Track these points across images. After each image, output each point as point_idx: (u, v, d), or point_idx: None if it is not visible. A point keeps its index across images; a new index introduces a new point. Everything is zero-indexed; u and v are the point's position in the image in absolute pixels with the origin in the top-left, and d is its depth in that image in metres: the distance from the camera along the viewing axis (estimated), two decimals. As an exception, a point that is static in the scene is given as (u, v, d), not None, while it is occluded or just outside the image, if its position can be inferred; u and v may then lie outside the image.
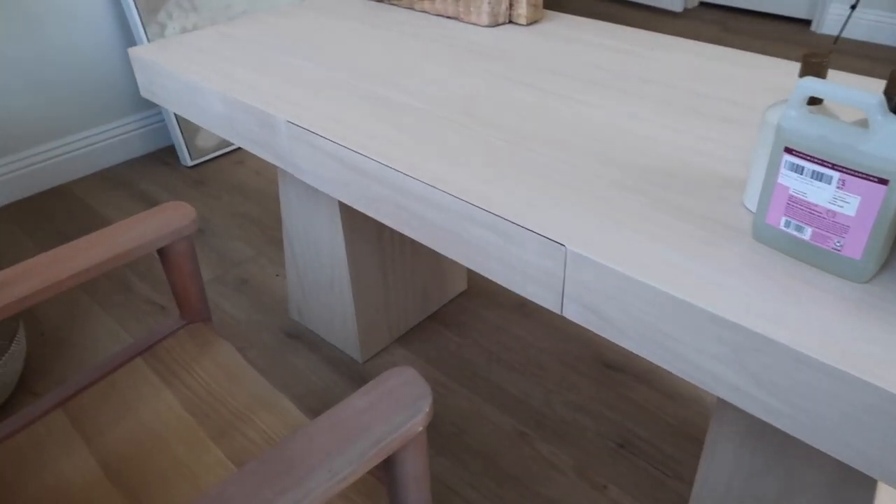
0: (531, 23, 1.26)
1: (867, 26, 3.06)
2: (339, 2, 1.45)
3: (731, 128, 0.86)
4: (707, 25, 3.48)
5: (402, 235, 1.43)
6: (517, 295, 1.66)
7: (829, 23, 3.17)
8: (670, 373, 1.44)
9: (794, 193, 0.60)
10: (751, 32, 3.36)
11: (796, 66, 1.04)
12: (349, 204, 0.91)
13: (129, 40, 2.26)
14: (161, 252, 0.98)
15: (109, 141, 2.32)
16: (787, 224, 0.62)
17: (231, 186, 2.20)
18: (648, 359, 0.66)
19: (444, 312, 1.62)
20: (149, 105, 2.38)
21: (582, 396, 1.38)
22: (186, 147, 2.27)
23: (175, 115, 2.22)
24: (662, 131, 0.86)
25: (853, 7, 2.62)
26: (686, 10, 3.65)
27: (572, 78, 1.03)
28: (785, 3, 3.37)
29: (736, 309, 0.57)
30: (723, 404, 0.82)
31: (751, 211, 0.70)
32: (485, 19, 1.24)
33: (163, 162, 2.36)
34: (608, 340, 1.50)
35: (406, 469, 0.65)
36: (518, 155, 0.82)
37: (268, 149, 1.01)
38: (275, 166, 2.32)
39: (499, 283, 0.75)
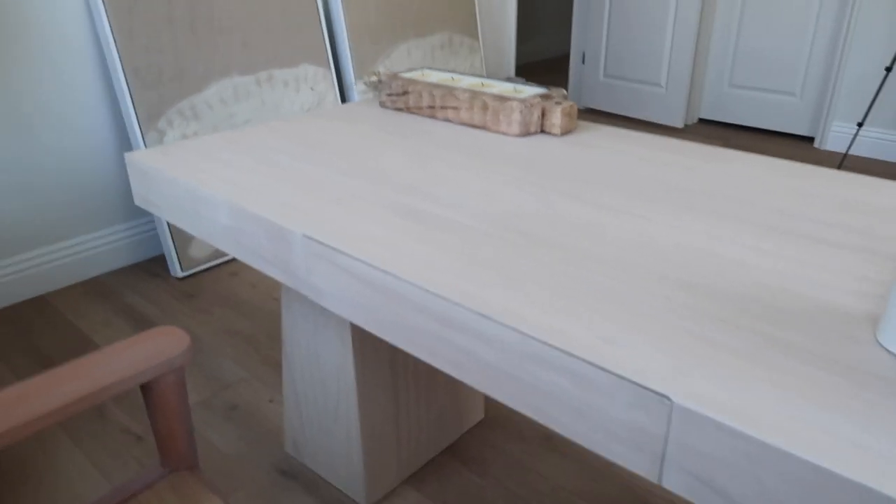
0: (565, 133, 1.17)
1: (871, 144, 3.07)
2: (350, 109, 1.37)
3: (831, 251, 0.74)
4: (710, 141, 3.50)
5: (417, 360, 1.28)
6: (541, 425, 1.49)
7: (832, 139, 3.20)
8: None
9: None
10: (754, 148, 3.37)
11: (868, 180, 0.95)
12: (378, 335, 0.77)
13: (126, 147, 2.18)
14: (145, 385, 0.82)
15: (96, 250, 2.19)
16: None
17: (224, 300, 2.05)
18: (791, 554, 0.50)
19: (460, 445, 1.44)
20: (140, 213, 2.27)
21: (627, 553, 1.19)
22: (178, 257, 2.14)
23: (167, 223, 2.10)
24: (750, 254, 0.74)
25: (860, 125, 2.63)
26: (687, 126, 3.69)
27: (626, 191, 0.92)
28: (787, 119, 3.41)
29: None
30: None
31: (890, 351, 0.57)
32: (515, 129, 1.15)
33: (151, 273, 2.22)
34: (648, 482, 1.31)
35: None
36: (584, 280, 0.69)
37: (279, 266, 0.88)
38: (273, 279, 2.18)
39: (575, 440, 0.60)
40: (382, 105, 1.37)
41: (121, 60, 1.97)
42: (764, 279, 0.69)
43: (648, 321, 0.62)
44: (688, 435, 0.52)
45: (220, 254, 2.25)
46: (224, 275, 2.20)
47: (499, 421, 1.50)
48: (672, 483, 0.55)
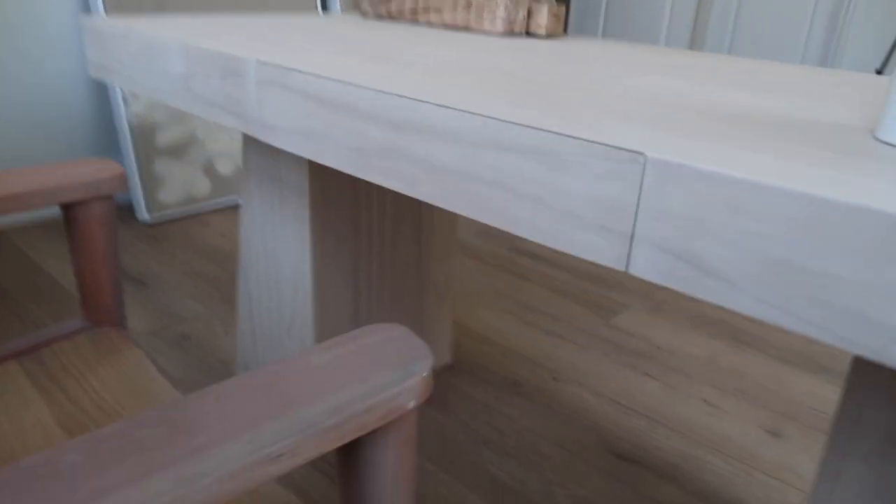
0: (551, 36, 1.12)
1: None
2: (323, 19, 1.31)
3: (821, 100, 0.68)
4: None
5: (381, 276, 1.20)
6: (509, 371, 1.41)
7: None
8: (702, 468, 1.16)
9: None
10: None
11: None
12: (330, 164, 0.70)
13: (98, 88, 2.11)
14: (70, 215, 0.74)
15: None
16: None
17: (190, 246, 1.96)
18: (777, 324, 0.43)
19: (422, 384, 1.35)
20: (110, 153, 2.19)
21: (591, 491, 1.10)
22: (145, 201, 2.06)
23: (137, 163, 2.02)
24: (729, 96, 0.68)
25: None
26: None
27: (618, 64, 0.86)
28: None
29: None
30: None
31: (889, 143, 0.50)
32: (499, 26, 1.09)
33: (116, 216, 2.13)
34: (617, 425, 1.23)
35: (381, 461, 0.39)
36: (552, 96, 0.62)
37: (230, 109, 0.81)
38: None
39: (534, 239, 0.53)
40: (364, 14, 1.31)
41: (103, -11, 1.91)
42: (752, 110, 0.62)
43: (623, 114, 0.55)
44: (661, 196, 0.45)
45: (191, 201, 2.17)
46: (195, 224, 2.11)
47: (466, 366, 1.42)
48: (640, 267, 0.47)
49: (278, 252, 1.11)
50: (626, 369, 1.43)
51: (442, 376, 1.38)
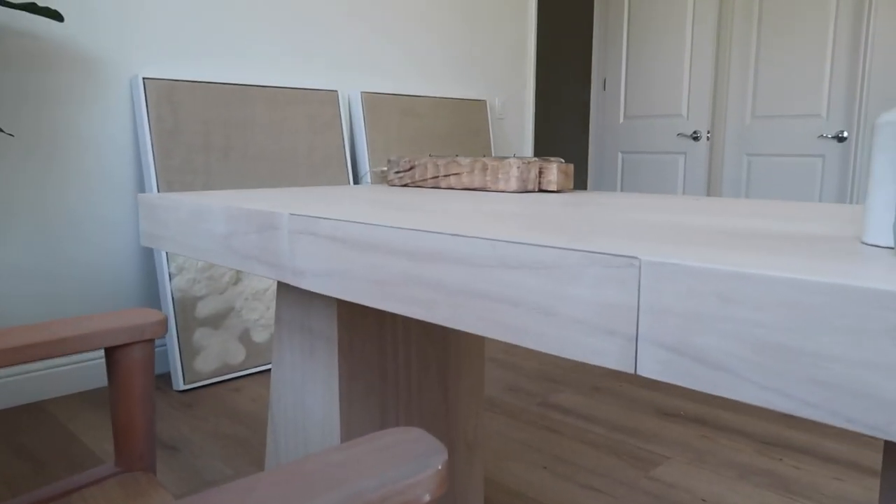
0: (561, 191, 1.20)
1: None
2: (357, 187, 1.43)
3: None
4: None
5: (408, 423, 1.20)
6: (546, 528, 1.33)
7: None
8: None
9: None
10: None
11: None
12: (355, 300, 0.75)
13: (149, 263, 2.26)
14: (111, 358, 0.79)
15: (97, 361, 2.17)
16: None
17: (222, 410, 1.98)
18: (783, 411, 0.44)
19: (454, 544, 1.28)
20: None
21: None
22: (182, 370, 2.11)
23: (177, 335, 2.10)
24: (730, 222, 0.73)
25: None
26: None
27: (626, 207, 0.93)
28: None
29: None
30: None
31: (876, 246, 0.54)
32: (514, 184, 1.18)
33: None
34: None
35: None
36: (561, 224, 0.68)
37: (267, 260, 0.88)
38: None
39: (543, 349, 0.55)
40: (390, 184, 1.43)
41: (156, 175, 2.12)
42: (746, 229, 0.67)
43: (621, 234, 0.60)
44: (658, 295, 0.48)
45: (225, 370, 2.21)
46: (227, 390, 2.14)
47: (500, 523, 1.36)
48: (648, 366, 0.49)
49: (307, 401, 1.13)
50: (671, 523, 1.35)
51: (475, 536, 1.32)
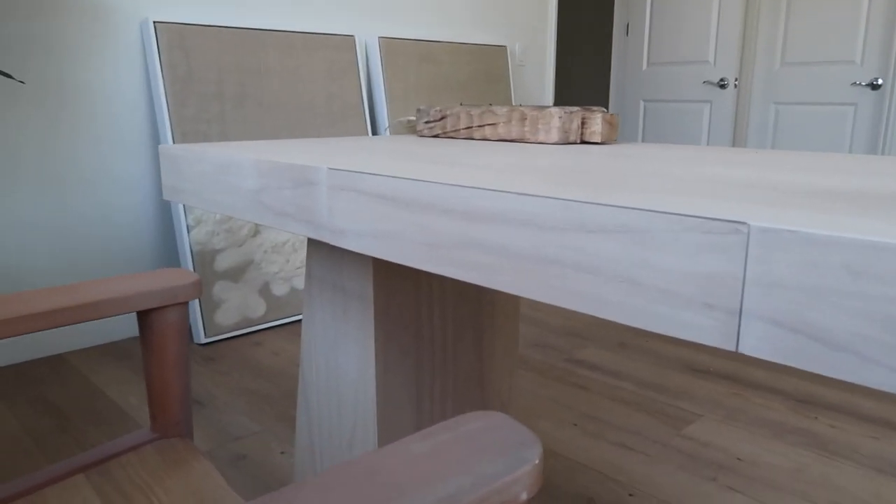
0: (606, 141, 1.14)
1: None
2: (386, 139, 1.37)
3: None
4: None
5: (443, 388, 1.16)
6: (580, 487, 1.32)
7: None
8: None
9: None
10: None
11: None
12: (403, 262, 0.69)
13: (165, 211, 2.21)
14: (144, 323, 0.75)
15: (120, 316, 2.15)
16: None
17: (244, 364, 1.96)
18: (920, 396, 0.39)
19: None
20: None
21: None
22: (203, 324, 2.09)
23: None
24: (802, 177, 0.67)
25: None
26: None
27: (679, 159, 0.86)
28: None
29: None
30: None
31: None
32: (555, 136, 1.12)
33: (175, 340, 2.16)
34: (711, 545, 1.13)
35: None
36: (630, 181, 0.62)
37: (302, 217, 0.82)
38: (295, 347, 2.10)
39: (627, 322, 0.50)
40: (420, 134, 1.37)
41: (171, 125, 2.05)
42: (832, 188, 0.61)
43: (705, 192, 0.54)
44: (770, 267, 0.42)
45: (245, 323, 2.19)
46: (247, 344, 2.12)
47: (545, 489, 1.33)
48: (752, 344, 0.44)
49: (340, 363, 1.09)
50: (707, 482, 1.33)
51: (508, 495, 1.30)
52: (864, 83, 3.19)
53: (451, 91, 2.88)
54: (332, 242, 0.78)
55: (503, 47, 3.13)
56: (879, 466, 1.39)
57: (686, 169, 0.75)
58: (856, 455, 1.44)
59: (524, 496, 0.35)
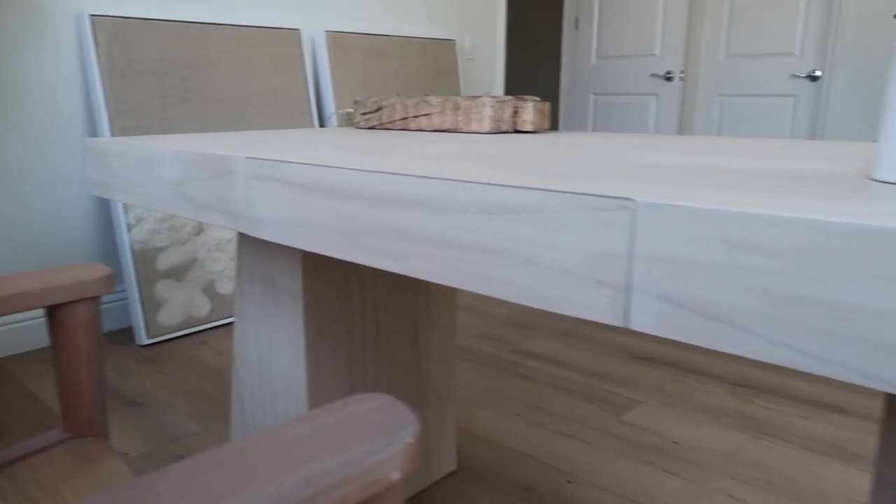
0: (537, 131, 1.14)
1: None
2: (318, 131, 1.35)
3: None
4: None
5: (377, 380, 1.16)
6: (519, 475, 1.32)
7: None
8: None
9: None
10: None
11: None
12: (316, 250, 0.69)
13: (103, 210, 2.15)
14: (53, 318, 0.72)
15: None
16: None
17: (188, 364, 1.92)
18: (796, 367, 0.40)
19: (427, 496, 1.27)
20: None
21: None
22: (145, 325, 2.04)
23: (138, 288, 2.02)
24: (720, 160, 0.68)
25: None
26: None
27: (608, 146, 0.87)
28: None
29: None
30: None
31: (886, 181, 0.49)
32: (487, 125, 1.12)
33: (115, 342, 2.10)
34: (645, 527, 1.15)
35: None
36: (543, 165, 0.62)
37: (221, 208, 0.81)
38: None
39: (526, 303, 0.50)
40: (357, 126, 1.36)
41: (109, 120, 1.99)
42: (745, 168, 0.62)
43: (609, 173, 0.54)
44: (656, 242, 0.43)
45: (189, 322, 2.14)
46: (192, 344, 2.08)
47: (472, 472, 1.34)
48: (640, 320, 0.45)
49: (272, 358, 1.08)
50: (644, 466, 1.35)
51: (448, 483, 1.30)
52: (803, 75, 3.28)
53: (400, 85, 2.87)
54: (251, 233, 0.77)
55: (452, 41, 3.13)
56: (810, 445, 1.44)
57: (602, 154, 0.76)
58: (788, 435, 1.48)
59: (396, 475, 0.35)
